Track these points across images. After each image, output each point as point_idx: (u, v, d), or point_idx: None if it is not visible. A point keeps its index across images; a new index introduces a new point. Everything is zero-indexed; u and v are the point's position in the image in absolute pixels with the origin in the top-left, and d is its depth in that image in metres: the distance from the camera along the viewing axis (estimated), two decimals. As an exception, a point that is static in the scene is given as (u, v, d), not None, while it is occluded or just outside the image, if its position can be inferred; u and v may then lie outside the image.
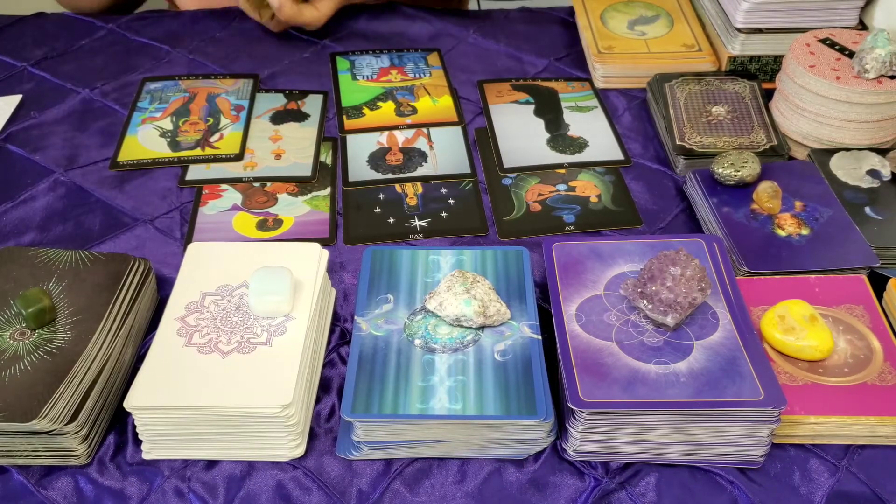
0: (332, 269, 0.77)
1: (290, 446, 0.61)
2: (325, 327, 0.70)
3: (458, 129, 0.95)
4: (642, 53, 1.02)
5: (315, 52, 1.07)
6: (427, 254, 0.73)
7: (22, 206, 0.84)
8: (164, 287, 0.75)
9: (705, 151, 0.87)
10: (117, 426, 0.64)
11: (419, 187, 0.86)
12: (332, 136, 0.94)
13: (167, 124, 0.94)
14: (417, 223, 0.82)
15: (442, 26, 1.11)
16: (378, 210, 0.84)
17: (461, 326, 0.66)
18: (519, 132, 0.94)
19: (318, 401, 0.66)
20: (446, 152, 0.91)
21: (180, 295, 0.67)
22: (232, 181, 0.87)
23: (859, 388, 0.64)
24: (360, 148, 0.92)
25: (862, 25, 0.97)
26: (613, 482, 0.61)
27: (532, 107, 0.98)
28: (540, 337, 0.65)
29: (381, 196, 0.85)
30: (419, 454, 0.62)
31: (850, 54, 0.87)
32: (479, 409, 0.60)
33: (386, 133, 0.94)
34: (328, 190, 0.86)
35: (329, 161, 0.90)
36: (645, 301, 0.65)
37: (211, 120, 0.95)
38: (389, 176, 0.88)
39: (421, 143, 0.92)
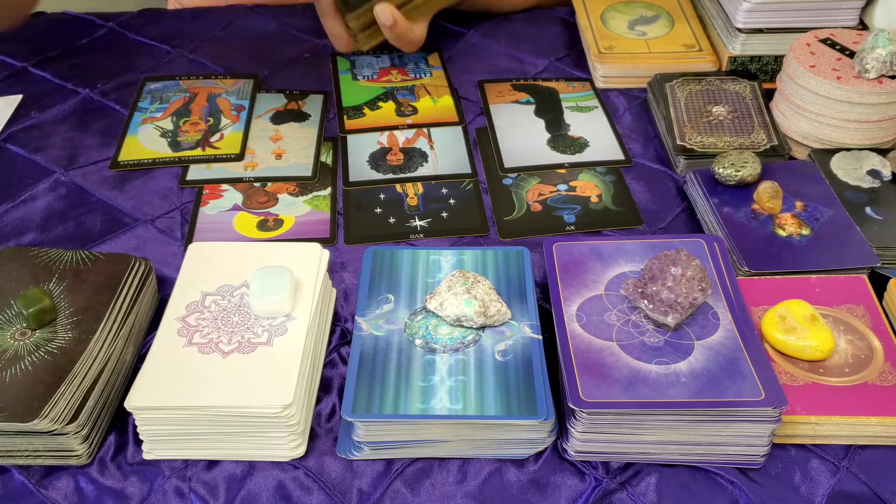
0: (333, 269, 0.77)
1: (290, 446, 0.61)
2: (325, 327, 0.70)
3: (458, 129, 0.95)
4: (643, 53, 1.02)
5: (315, 52, 1.07)
6: (428, 254, 0.73)
7: (22, 206, 0.84)
8: (164, 287, 0.75)
9: (706, 151, 0.87)
10: (118, 426, 0.64)
11: (420, 187, 0.86)
12: (333, 136, 0.94)
13: (168, 124, 0.94)
14: (418, 223, 0.82)
15: (442, 26, 1.11)
16: (378, 210, 0.84)
17: (462, 326, 0.66)
18: (519, 132, 0.94)
19: (318, 401, 0.66)
20: (447, 152, 0.91)
21: (181, 295, 0.67)
22: (232, 181, 0.87)
23: (860, 388, 0.64)
24: (360, 148, 0.92)
25: (862, 25, 0.97)
26: (614, 482, 0.61)
27: (532, 107, 0.98)
28: (540, 337, 0.65)
29: (382, 196, 0.85)
30: (420, 454, 0.62)
31: (851, 54, 0.87)
32: (480, 409, 0.60)
33: (386, 133, 0.94)
34: (329, 190, 0.86)
35: (329, 161, 0.90)
36: (646, 301, 0.65)
37: (211, 120, 0.95)
38: (390, 176, 0.88)
39: (421, 143, 0.92)
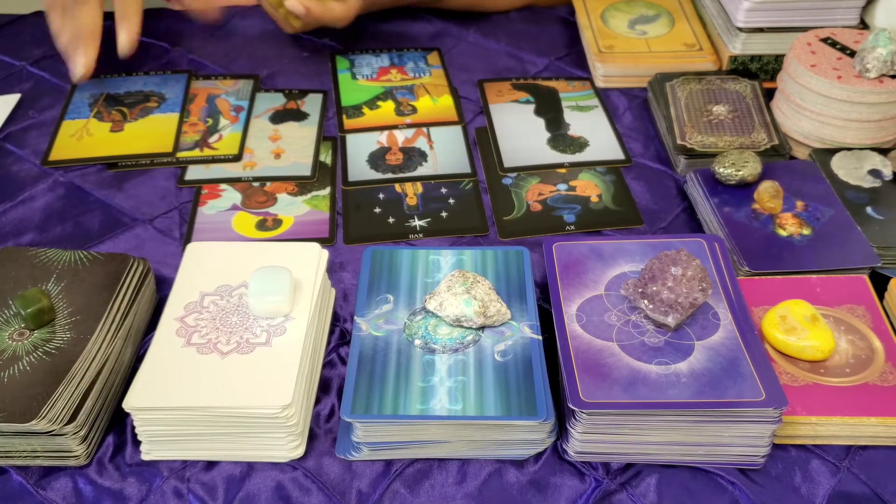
0: (332, 269, 0.77)
1: (289, 447, 0.61)
2: (324, 327, 0.70)
3: (458, 129, 0.94)
4: (643, 52, 1.01)
5: (315, 52, 1.07)
6: (427, 254, 0.72)
7: (21, 206, 0.84)
8: (163, 287, 0.74)
9: (706, 151, 0.87)
10: (116, 427, 0.64)
11: (419, 187, 0.86)
12: (332, 136, 0.93)
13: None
14: (417, 223, 0.82)
15: (442, 26, 1.11)
16: (378, 210, 0.84)
17: (461, 327, 0.66)
18: (519, 132, 0.93)
19: (317, 401, 0.66)
20: (446, 152, 0.91)
21: (179, 295, 0.67)
22: (231, 181, 0.87)
23: (861, 388, 0.63)
24: (359, 147, 0.92)
25: (863, 25, 0.97)
26: (614, 483, 0.61)
27: (532, 106, 0.98)
28: (540, 337, 0.65)
29: (381, 196, 0.85)
30: (419, 455, 0.62)
31: (852, 54, 0.87)
32: (480, 409, 0.60)
33: (386, 132, 0.94)
34: (328, 189, 0.86)
35: (329, 161, 0.90)
36: (646, 301, 0.65)
37: (210, 121, 0.94)
38: (389, 175, 0.88)
39: (421, 143, 0.92)
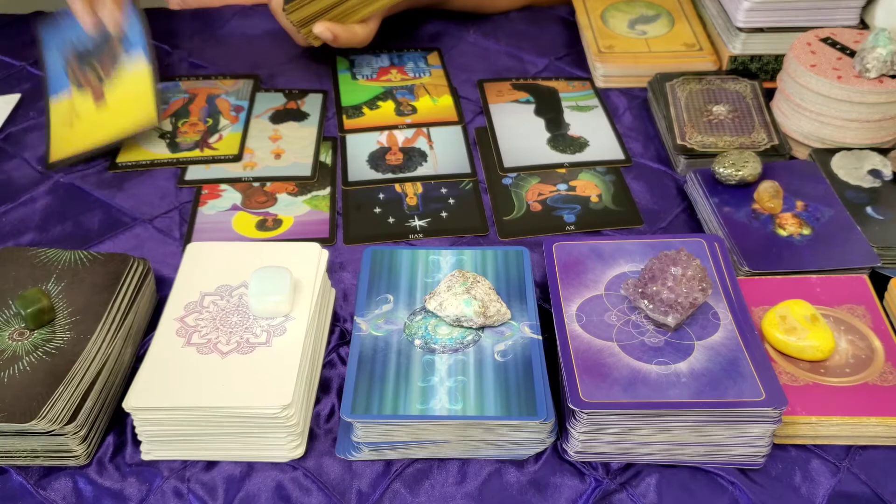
0: (332, 269, 0.77)
1: (289, 447, 0.61)
2: (324, 327, 0.70)
3: (458, 129, 0.94)
4: (643, 53, 1.01)
5: (315, 52, 1.07)
6: (427, 254, 0.72)
7: (21, 207, 0.84)
8: (163, 287, 0.74)
9: (706, 151, 0.87)
10: (116, 427, 0.64)
11: (419, 187, 0.86)
12: (332, 136, 0.93)
13: (166, 125, 0.94)
14: (417, 223, 0.82)
15: (442, 26, 1.11)
16: (378, 210, 0.84)
17: (461, 327, 0.66)
18: (519, 132, 0.94)
19: (317, 401, 0.66)
20: (446, 152, 0.91)
21: (179, 295, 0.67)
22: (231, 181, 0.87)
23: (861, 388, 0.63)
24: (359, 147, 0.92)
25: (863, 25, 0.97)
26: (614, 483, 0.61)
27: (532, 106, 0.98)
28: (540, 337, 0.65)
29: (381, 196, 0.85)
30: (419, 455, 0.62)
31: (852, 54, 0.87)
32: (480, 409, 0.60)
33: (386, 132, 0.94)
34: (328, 190, 0.86)
35: (329, 161, 0.90)
36: (646, 301, 0.65)
37: (210, 121, 0.94)
38: (389, 176, 0.88)
39: (421, 143, 0.92)
